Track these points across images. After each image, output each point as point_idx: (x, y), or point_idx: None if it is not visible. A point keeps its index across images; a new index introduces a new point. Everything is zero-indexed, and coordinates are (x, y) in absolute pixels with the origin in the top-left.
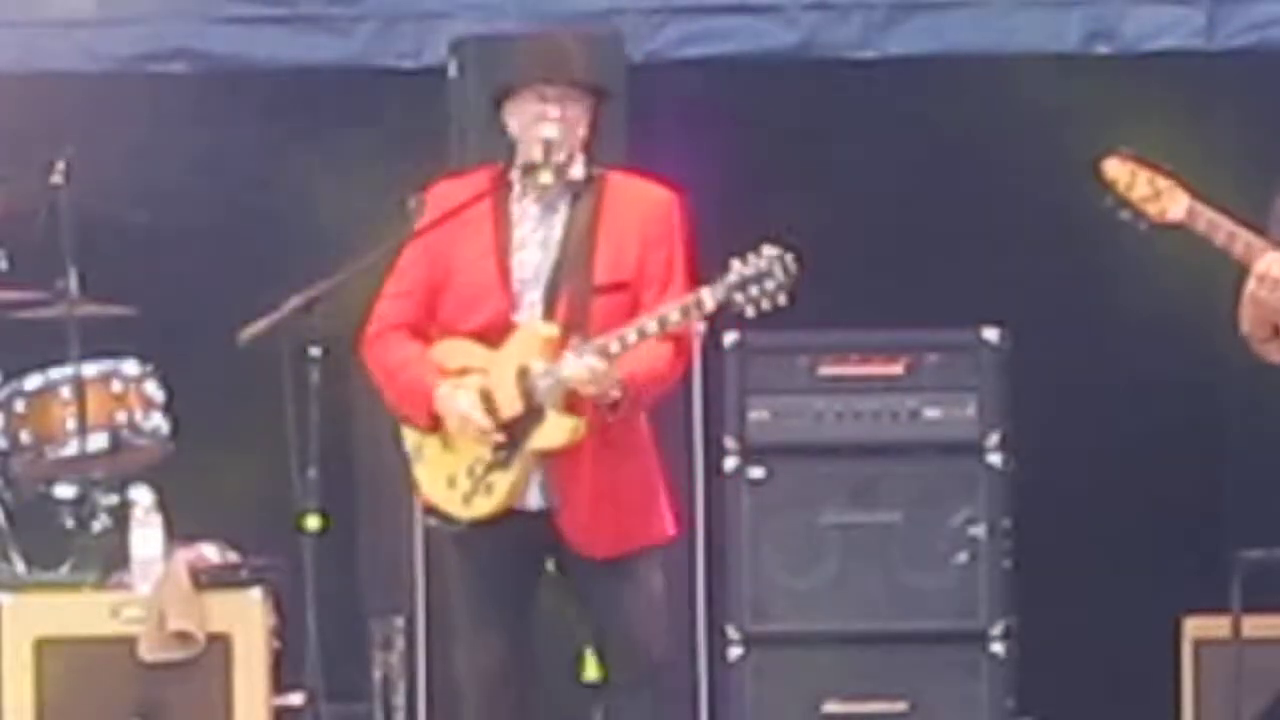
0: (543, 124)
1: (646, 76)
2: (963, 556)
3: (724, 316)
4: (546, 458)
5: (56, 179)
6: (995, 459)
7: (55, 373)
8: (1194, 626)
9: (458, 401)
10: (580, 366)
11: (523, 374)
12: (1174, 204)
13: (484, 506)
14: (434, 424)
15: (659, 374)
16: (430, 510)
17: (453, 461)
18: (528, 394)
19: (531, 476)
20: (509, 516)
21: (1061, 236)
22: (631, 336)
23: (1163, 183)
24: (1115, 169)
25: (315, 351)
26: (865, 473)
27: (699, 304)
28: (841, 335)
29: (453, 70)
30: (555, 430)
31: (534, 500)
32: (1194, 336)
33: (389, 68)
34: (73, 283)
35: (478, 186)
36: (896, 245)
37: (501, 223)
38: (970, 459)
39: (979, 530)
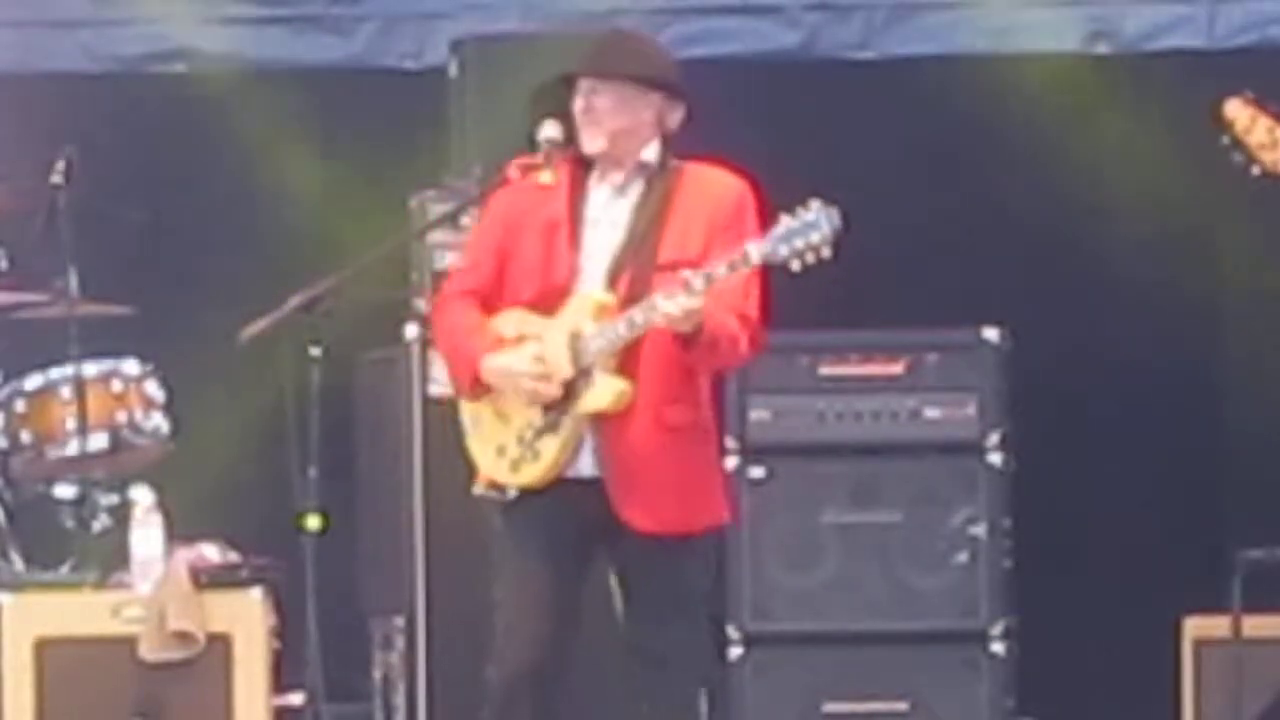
0: (544, 125)
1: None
2: (963, 556)
3: None
4: (596, 421)
5: (56, 179)
6: (995, 459)
7: (55, 373)
8: (1194, 626)
9: (506, 361)
10: (670, 304)
11: (574, 338)
12: None
13: (532, 472)
14: (475, 390)
15: (731, 334)
16: (479, 481)
17: (504, 431)
18: (577, 357)
19: (583, 442)
20: (562, 485)
21: (1061, 236)
22: (698, 282)
23: None
24: (1236, 110)
25: (315, 351)
26: (865, 473)
27: (745, 257)
28: (841, 335)
29: (453, 70)
30: (602, 392)
31: (586, 467)
32: (1194, 336)
33: (389, 68)
34: (73, 283)
35: (559, 167)
36: (896, 245)
37: (576, 197)
38: (970, 459)
39: (979, 530)
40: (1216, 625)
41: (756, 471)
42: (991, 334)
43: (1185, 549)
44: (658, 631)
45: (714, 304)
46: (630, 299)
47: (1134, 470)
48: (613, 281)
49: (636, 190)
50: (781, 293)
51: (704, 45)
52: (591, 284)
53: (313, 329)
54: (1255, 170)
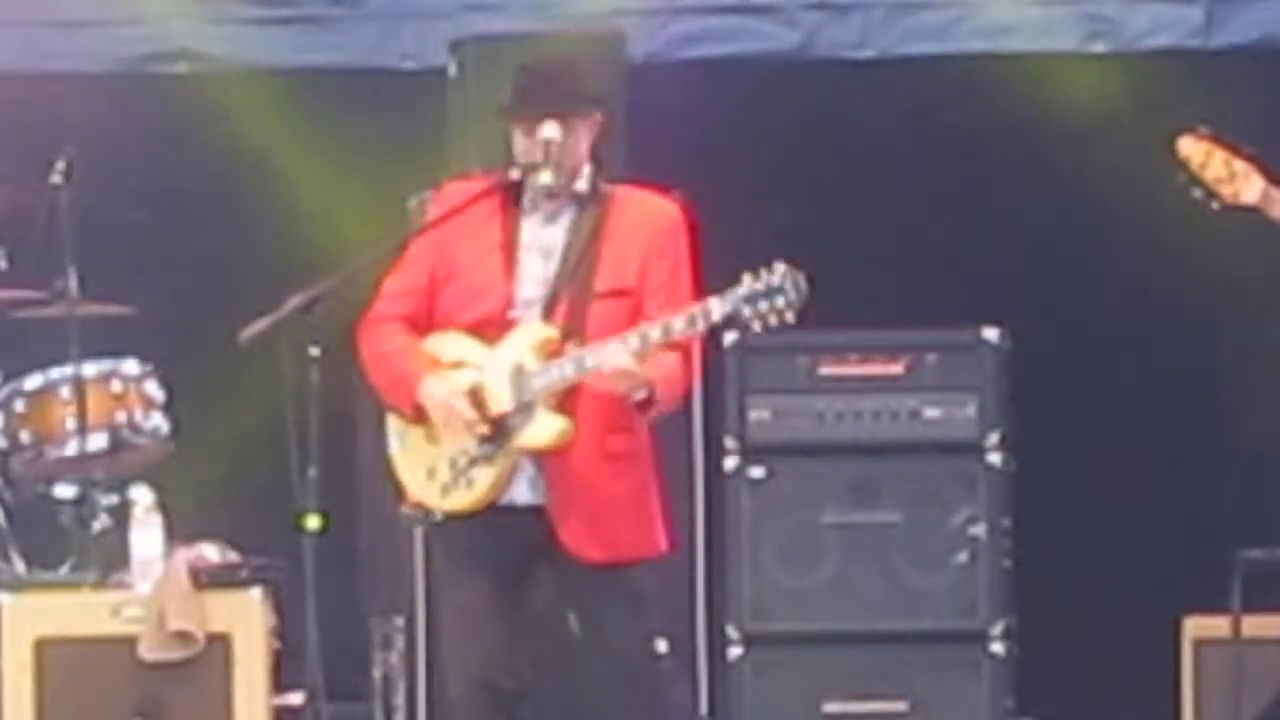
0: (544, 126)
1: (647, 77)
2: (963, 556)
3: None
4: (535, 456)
5: (56, 179)
6: (995, 459)
7: (55, 373)
8: (1194, 626)
9: (443, 392)
10: (622, 356)
11: (517, 371)
12: (1249, 186)
13: (462, 500)
14: (418, 414)
15: (675, 379)
16: (403, 499)
17: (435, 453)
18: (520, 392)
19: (518, 473)
20: (495, 511)
21: (1061, 236)
22: (633, 342)
23: (1239, 165)
24: (1189, 147)
25: (315, 351)
26: (865, 473)
27: (706, 314)
28: (841, 335)
29: (453, 70)
30: (544, 429)
31: (522, 495)
32: (1194, 336)
33: (389, 68)
34: (73, 283)
35: (484, 188)
36: (896, 245)
37: (509, 223)
38: (970, 459)
39: (979, 530)
40: (1216, 625)
41: (756, 471)
42: (991, 334)
43: (1185, 549)
44: (604, 656)
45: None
46: (568, 329)
47: (1134, 471)
48: (549, 310)
49: (569, 216)
50: None
51: (703, 45)
52: (527, 312)
53: (312, 329)
54: (1215, 205)
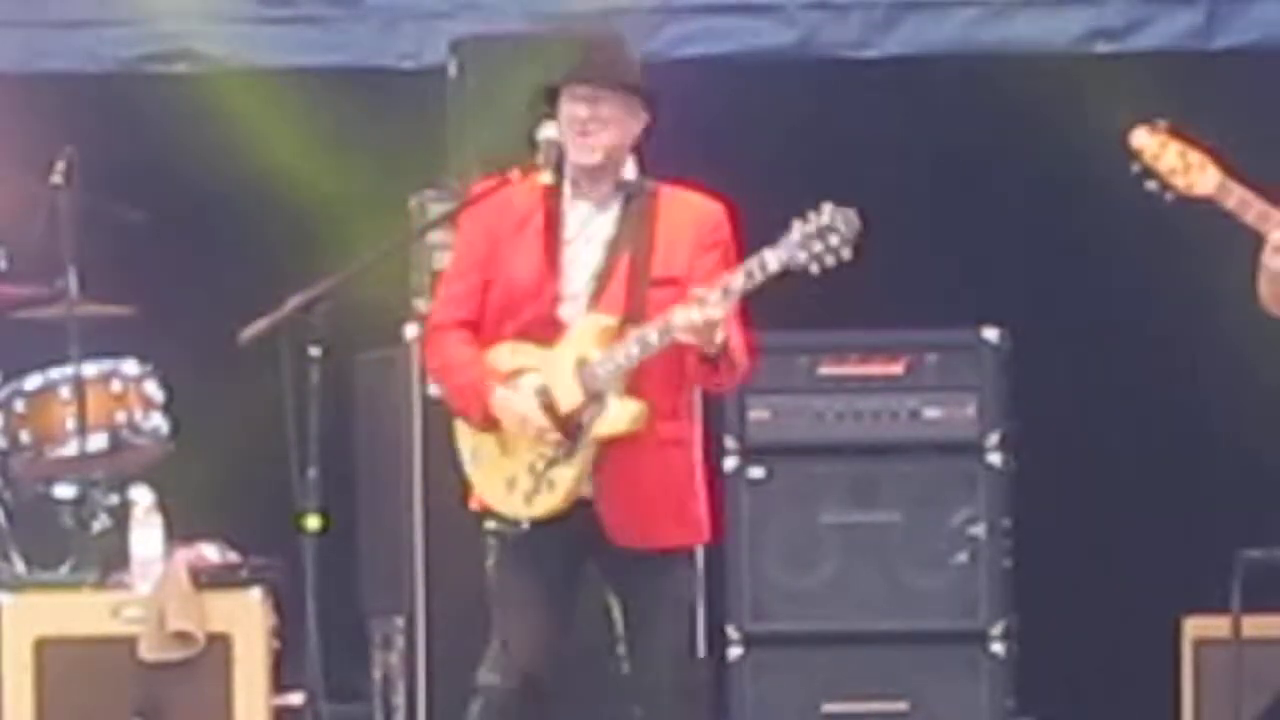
0: (544, 126)
1: (646, 76)
2: (963, 556)
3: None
4: (609, 445)
5: (56, 179)
6: (995, 459)
7: (55, 373)
8: (1194, 626)
9: (516, 402)
10: (691, 313)
11: (581, 364)
12: (1203, 178)
13: (548, 503)
14: (488, 424)
15: (741, 353)
16: (488, 513)
17: (511, 463)
18: (587, 383)
19: (591, 467)
20: (570, 511)
21: (1061, 236)
22: (693, 306)
23: (1194, 156)
24: (1143, 139)
25: (315, 351)
26: (865, 473)
27: (763, 265)
28: (841, 335)
29: (453, 70)
30: (619, 416)
31: (586, 489)
32: (1195, 336)
33: (389, 68)
34: (73, 283)
35: (528, 188)
36: (896, 245)
37: (552, 223)
38: (970, 459)
39: (979, 530)
40: (1216, 625)
41: (756, 471)
42: (991, 334)
43: (1185, 549)
44: (651, 642)
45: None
46: (629, 316)
47: (1133, 470)
48: (598, 300)
49: (616, 207)
50: (781, 293)
51: (702, 44)
52: (575, 304)
53: (312, 329)
54: (1169, 197)
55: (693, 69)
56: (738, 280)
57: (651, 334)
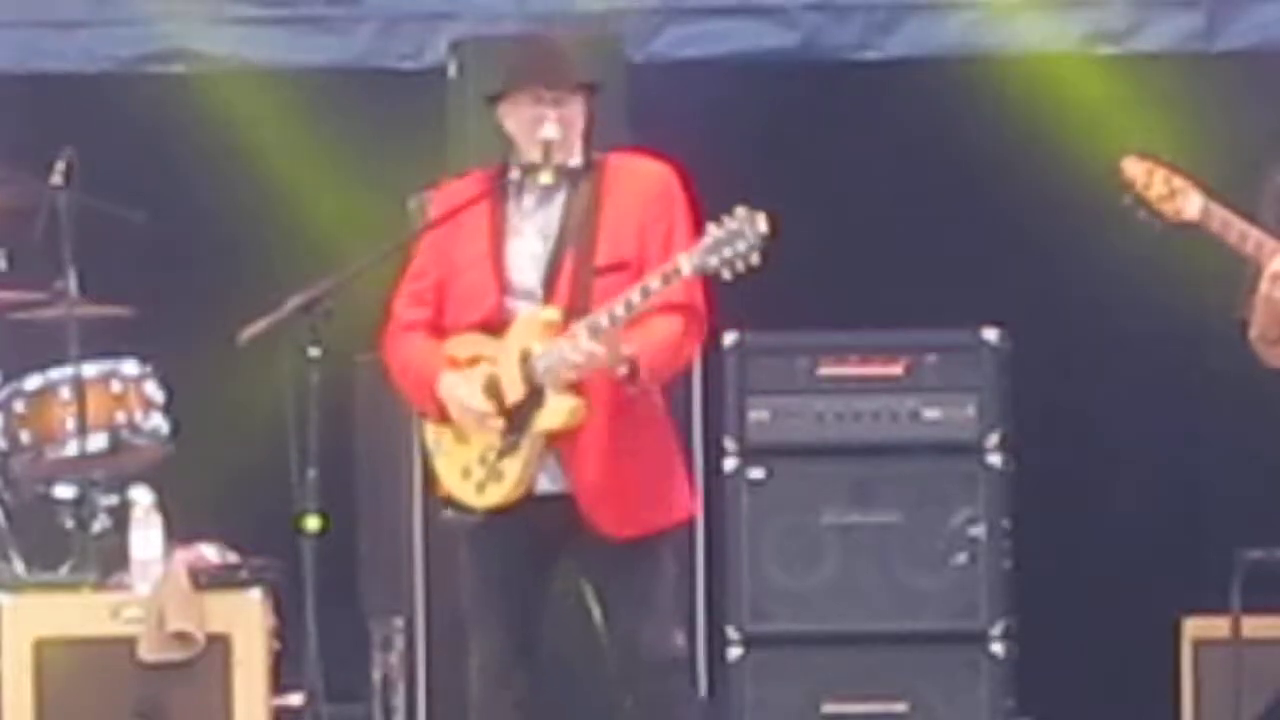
0: (542, 125)
1: (646, 77)
2: (962, 556)
3: (724, 316)
4: (554, 440)
5: (56, 179)
6: (995, 459)
7: (55, 373)
8: (1194, 626)
9: (459, 388)
10: (570, 349)
11: (524, 357)
12: (1188, 203)
13: (496, 494)
14: (441, 413)
15: (670, 345)
16: (448, 502)
17: (466, 452)
18: (529, 377)
19: (541, 460)
20: (525, 503)
21: (1061, 236)
22: (619, 310)
23: (1178, 182)
24: (1133, 168)
25: (315, 351)
26: (865, 473)
27: (676, 270)
28: (841, 335)
29: (453, 70)
30: (555, 411)
31: (542, 484)
32: (1195, 336)
33: (389, 68)
34: (73, 283)
35: (479, 186)
36: (896, 245)
37: (497, 219)
38: (970, 459)
39: (979, 530)
40: (1216, 625)
41: (755, 472)
42: (991, 334)
43: (1185, 549)
44: (637, 629)
45: (633, 328)
46: (573, 306)
47: (1134, 470)
48: (549, 290)
49: (562, 194)
50: (781, 293)
51: (702, 46)
52: (528, 299)
53: (312, 330)
54: (1158, 226)
55: (693, 71)
56: (653, 283)
57: (583, 339)
